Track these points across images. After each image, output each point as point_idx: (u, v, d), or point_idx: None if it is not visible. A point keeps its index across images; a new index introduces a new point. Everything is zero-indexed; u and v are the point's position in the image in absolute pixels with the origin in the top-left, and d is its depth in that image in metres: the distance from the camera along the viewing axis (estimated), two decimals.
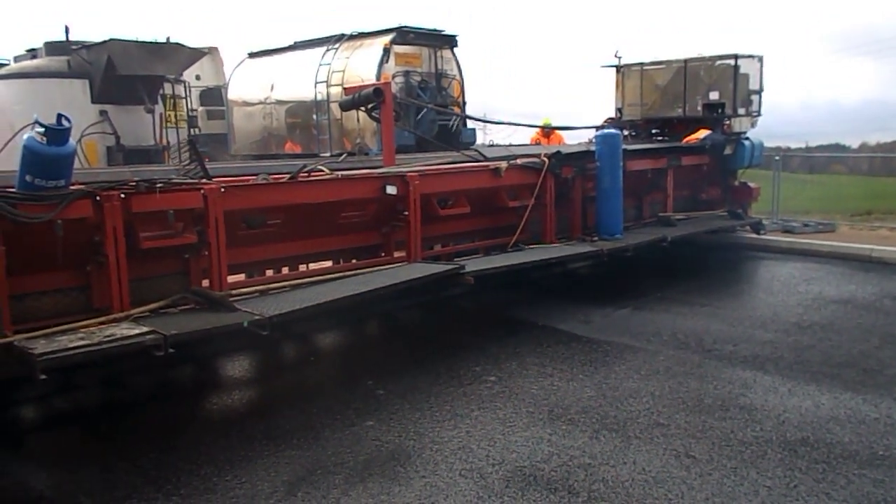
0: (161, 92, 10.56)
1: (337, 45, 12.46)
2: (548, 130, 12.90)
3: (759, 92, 12.40)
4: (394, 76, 11.36)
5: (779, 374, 5.77)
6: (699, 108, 12.02)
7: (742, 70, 11.89)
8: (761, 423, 4.84)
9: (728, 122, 11.79)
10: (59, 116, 4.90)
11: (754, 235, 11.55)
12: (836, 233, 12.21)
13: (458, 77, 12.64)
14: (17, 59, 11.76)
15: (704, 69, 12.16)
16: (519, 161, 8.41)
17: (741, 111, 12.01)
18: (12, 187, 4.81)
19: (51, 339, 4.65)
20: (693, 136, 11.33)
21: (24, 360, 4.39)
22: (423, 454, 4.49)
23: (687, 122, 11.95)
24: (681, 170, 10.61)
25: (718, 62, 12.02)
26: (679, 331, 7.02)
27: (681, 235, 9.68)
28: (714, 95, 11.92)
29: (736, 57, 11.78)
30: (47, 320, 5.05)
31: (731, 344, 6.60)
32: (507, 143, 11.81)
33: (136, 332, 4.82)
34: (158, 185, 5.44)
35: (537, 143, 12.30)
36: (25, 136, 4.79)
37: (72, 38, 10.70)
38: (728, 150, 11.38)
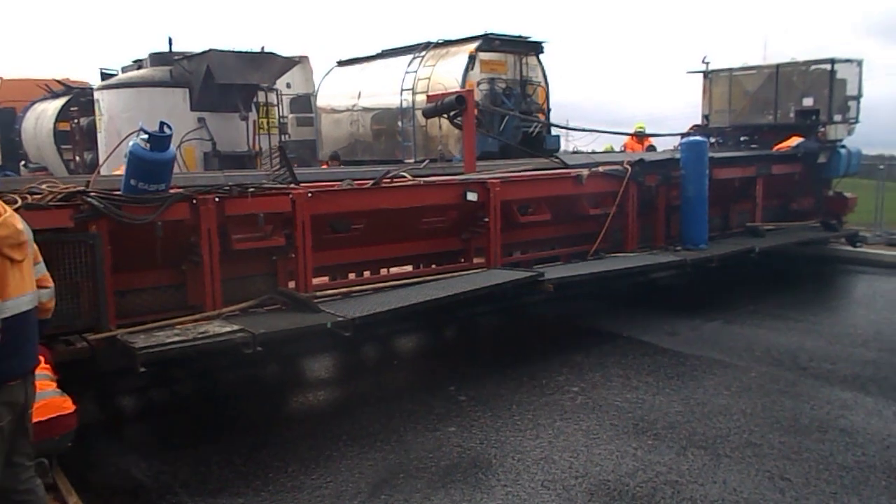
0: (255, 100, 10.88)
1: (423, 53, 12.57)
2: (640, 136, 12.75)
3: (858, 98, 11.81)
4: (478, 83, 11.39)
5: (882, 396, 5.45)
6: (791, 114, 11.57)
7: (839, 75, 11.37)
8: (863, 447, 4.58)
9: (823, 130, 11.27)
10: (162, 124, 5.14)
11: (851, 248, 10.97)
12: None
13: (543, 84, 12.56)
14: (124, 69, 12.32)
15: (798, 74, 11.69)
16: (601, 168, 8.28)
17: (837, 118, 11.47)
18: (118, 190, 5.08)
19: (150, 333, 4.91)
20: (784, 144, 10.91)
21: (126, 353, 4.65)
22: (504, 463, 4.46)
23: (778, 129, 11.51)
24: (771, 179, 10.21)
25: (813, 67, 11.53)
26: (773, 346, 6.73)
27: (770, 247, 9.30)
28: (808, 102, 11.45)
29: (832, 61, 11.27)
30: (145, 316, 5.31)
31: (829, 362, 6.28)
32: (591, 151, 11.58)
33: (228, 329, 5.03)
34: (250, 189, 5.65)
35: (622, 151, 12.15)
36: (131, 143, 5.04)
37: (174, 48, 11.12)
38: (822, 159, 10.92)
